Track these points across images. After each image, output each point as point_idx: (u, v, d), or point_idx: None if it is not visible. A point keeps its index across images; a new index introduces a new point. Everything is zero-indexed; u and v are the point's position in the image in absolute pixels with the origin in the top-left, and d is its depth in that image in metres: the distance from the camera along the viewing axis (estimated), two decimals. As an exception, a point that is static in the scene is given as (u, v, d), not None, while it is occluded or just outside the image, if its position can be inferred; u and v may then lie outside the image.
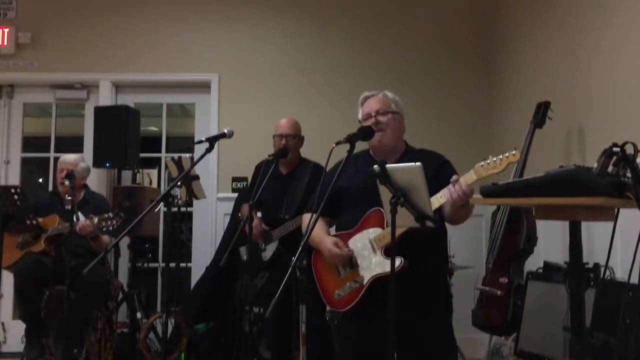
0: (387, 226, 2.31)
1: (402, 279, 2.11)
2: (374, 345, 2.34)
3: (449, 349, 2.50)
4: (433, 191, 2.16)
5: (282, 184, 3.53)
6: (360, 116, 2.61)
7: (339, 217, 2.58)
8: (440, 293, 2.53)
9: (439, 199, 2.24)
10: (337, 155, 2.30)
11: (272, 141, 3.60)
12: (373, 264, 2.36)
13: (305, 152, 3.70)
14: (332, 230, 2.64)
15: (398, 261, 2.22)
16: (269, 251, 3.48)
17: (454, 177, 2.22)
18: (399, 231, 2.17)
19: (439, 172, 2.41)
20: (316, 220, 2.18)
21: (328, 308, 2.49)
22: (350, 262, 2.42)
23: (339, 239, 2.45)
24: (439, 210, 2.28)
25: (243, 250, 3.56)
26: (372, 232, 2.39)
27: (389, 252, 2.28)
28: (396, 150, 2.57)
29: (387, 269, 2.25)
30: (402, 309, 1.99)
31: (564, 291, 1.99)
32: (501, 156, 2.15)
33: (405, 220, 2.02)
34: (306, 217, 2.71)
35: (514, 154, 2.12)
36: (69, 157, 4.05)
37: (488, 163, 2.17)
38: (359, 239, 2.42)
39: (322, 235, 2.51)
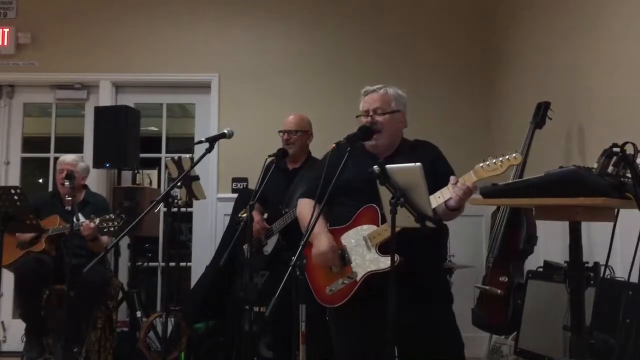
0: (381, 223, 2.31)
1: (398, 275, 2.11)
2: (369, 342, 2.34)
3: (453, 336, 2.45)
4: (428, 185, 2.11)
5: (287, 179, 3.48)
6: (360, 108, 2.57)
7: (332, 209, 2.51)
8: (439, 285, 2.52)
9: (436, 199, 2.22)
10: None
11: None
12: (367, 261, 2.34)
13: (307, 150, 3.68)
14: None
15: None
16: (270, 245, 3.47)
17: (453, 178, 2.21)
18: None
19: (433, 164, 2.37)
20: (319, 215, 2.20)
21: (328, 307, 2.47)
22: (343, 258, 2.40)
23: (335, 244, 2.40)
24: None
25: (246, 248, 3.56)
26: (367, 229, 2.37)
27: (383, 249, 2.31)
28: (391, 147, 2.53)
29: (381, 265, 2.29)
30: (400, 306, 1.99)
31: (564, 290, 1.98)
32: (502, 158, 2.13)
33: (405, 220, 2.02)
34: (304, 203, 2.60)
35: (514, 157, 2.10)
36: (67, 158, 4.05)
37: (488, 164, 2.15)
38: (353, 235, 2.41)
39: (322, 231, 2.42)
